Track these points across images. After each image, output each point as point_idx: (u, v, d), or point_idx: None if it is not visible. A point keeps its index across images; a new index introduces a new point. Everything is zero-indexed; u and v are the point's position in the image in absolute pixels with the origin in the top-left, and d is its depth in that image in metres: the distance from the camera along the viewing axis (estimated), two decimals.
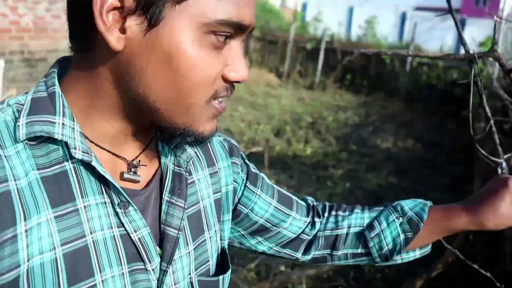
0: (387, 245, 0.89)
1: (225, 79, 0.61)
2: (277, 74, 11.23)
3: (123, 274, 0.61)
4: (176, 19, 0.55)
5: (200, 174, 0.77)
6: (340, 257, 0.93)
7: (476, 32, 13.25)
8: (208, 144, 0.81)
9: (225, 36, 0.58)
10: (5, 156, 0.56)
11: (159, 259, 0.65)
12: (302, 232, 0.91)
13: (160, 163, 0.70)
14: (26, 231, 0.54)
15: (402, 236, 0.89)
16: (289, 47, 11.23)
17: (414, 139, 7.30)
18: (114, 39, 0.55)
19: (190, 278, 0.70)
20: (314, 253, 0.93)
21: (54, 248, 0.55)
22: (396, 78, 10.26)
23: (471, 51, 0.99)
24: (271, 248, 0.90)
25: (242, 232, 0.88)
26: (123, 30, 0.56)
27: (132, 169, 0.66)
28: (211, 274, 0.75)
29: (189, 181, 0.73)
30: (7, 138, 0.57)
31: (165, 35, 0.55)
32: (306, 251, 0.93)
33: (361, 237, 0.91)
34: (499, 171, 0.95)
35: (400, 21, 19.65)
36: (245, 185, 0.85)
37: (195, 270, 0.71)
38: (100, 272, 0.58)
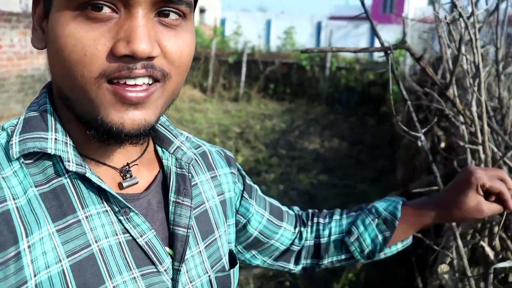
0: (367, 247, 0.91)
1: (116, 55, 0.54)
2: (201, 89, 11.28)
3: (134, 278, 0.60)
4: (55, 3, 0.56)
5: (201, 177, 0.77)
6: (327, 265, 0.95)
7: (386, 37, 14.15)
8: (208, 153, 0.81)
9: (108, 7, 0.53)
10: (3, 177, 0.56)
11: (170, 260, 0.65)
12: (292, 243, 0.92)
13: (160, 167, 0.71)
14: (29, 247, 0.54)
15: (380, 237, 0.91)
16: (211, 62, 11.33)
17: (338, 139, 7.63)
18: (36, 40, 0.61)
19: (208, 276, 0.70)
20: (303, 262, 0.94)
21: (60, 261, 0.55)
22: (317, 84, 10.69)
23: (386, 44, 1.09)
24: (265, 261, 0.92)
25: (238, 247, 0.88)
26: (43, 32, 0.60)
27: (127, 175, 0.65)
28: (227, 272, 0.75)
29: (192, 183, 0.73)
30: (3, 160, 0.58)
31: (50, 21, 0.56)
32: (297, 261, 0.94)
33: (342, 243, 0.93)
34: (419, 143, 1.06)
35: (316, 31, 20.53)
36: (242, 196, 0.85)
37: (211, 268, 0.72)
38: (111, 278, 0.58)
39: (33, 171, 0.58)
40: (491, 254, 1.12)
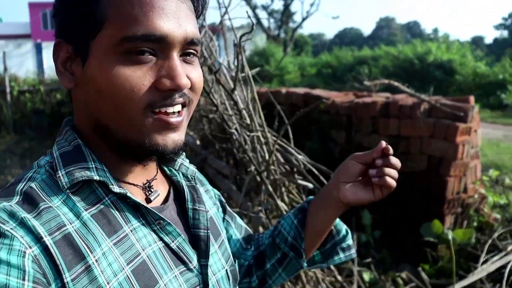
0: (288, 234, 0.97)
1: (160, 89, 0.65)
2: None
3: (176, 276, 0.71)
4: (96, 49, 0.65)
5: (201, 189, 0.90)
6: (272, 272, 1.00)
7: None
8: (195, 170, 0.88)
9: (148, 52, 0.64)
10: (56, 207, 0.64)
11: (197, 257, 0.76)
12: (248, 260, 1.00)
13: (170, 183, 0.82)
14: (96, 261, 0.62)
15: (295, 221, 0.97)
16: None
17: None
18: (66, 81, 0.69)
19: (226, 270, 0.83)
20: (255, 274, 1.01)
21: (123, 268, 0.65)
22: (0, 111, 9.63)
23: None
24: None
25: None
26: (72, 73, 0.69)
27: (149, 191, 0.76)
28: (235, 266, 0.88)
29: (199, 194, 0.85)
30: (51, 193, 0.65)
31: (91, 65, 0.66)
32: (250, 275, 1.01)
33: (273, 243, 0.99)
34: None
35: None
36: (224, 218, 0.97)
37: (226, 263, 0.84)
38: (161, 278, 0.69)
39: (79, 198, 0.67)
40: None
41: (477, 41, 54.26)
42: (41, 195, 0.64)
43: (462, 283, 2.66)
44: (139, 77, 0.64)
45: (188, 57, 0.69)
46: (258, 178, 1.72)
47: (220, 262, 0.82)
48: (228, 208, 1.00)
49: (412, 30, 72.37)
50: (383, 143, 0.86)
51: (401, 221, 3.60)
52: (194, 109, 0.75)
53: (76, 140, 0.70)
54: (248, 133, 1.67)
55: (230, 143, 2.09)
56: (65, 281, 0.59)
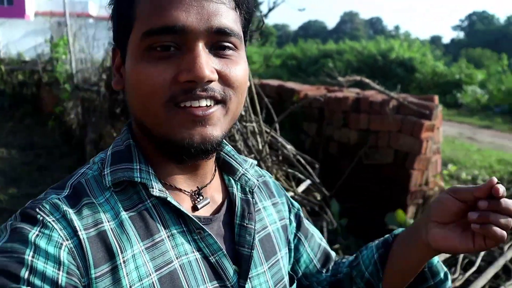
0: (366, 269, 0.87)
1: (179, 82, 0.63)
2: None
3: None
4: (129, 48, 0.67)
5: (265, 203, 0.85)
6: None
7: (10, 32, 13.32)
8: (268, 182, 0.89)
9: (171, 45, 0.64)
10: (98, 204, 0.66)
11: (237, 276, 0.71)
12: (322, 285, 0.92)
13: (227, 193, 0.79)
14: (124, 262, 0.63)
15: (376, 255, 0.86)
16: None
17: (4, 148, 7.05)
18: (115, 83, 0.73)
19: None
20: None
21: (150, 274, 0.64)
22: None
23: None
24: None
25: None
26: (121, 75, 0.72)
27: (198, 199, 0.73)
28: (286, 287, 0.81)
29: (256, 209, 0.80)
30: (97, 190, 0.67)
31: (126, 64, 0.68)
32: None
33: (350, 275, 0.90)
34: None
35: None
36: (296, 234, 0.90)
37: (275, 286, 0.78)
38: None
39: (122, 197, 0.67)
40: None
41: (435, 41, 56.15)
42: (88, 191, 0.67)
43: None
44: (161, 71, 0.63)
45: (221, 51, 0.66)
46: None
47: (267, 284, 0.77)
48: (305, 224, 0.93)
49: (375, 26, 73.99)
50: (494, 180, 0.66)
51: (367, 209, 3.82)
52: (238, 108, 0.70)
53: (128, 140, 0.72)
54: (244, 124, 1.79)
55: None
56: (90, 277, 0.60)
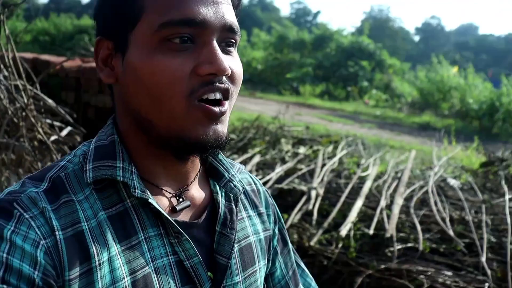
0: None
1: (199, 75, 0.63)
2: None
3: None
4: (135, 40, 0.65)
5: (250, 212, 0.83)
6: None
7: None
8: (257, 191, 0.87)
9: (186, 37, 0.63)
10: (77, 201, 0.64)
11: (210, 283, 0.70)
12: None
13: (212, 199, 0.77)
14: (99, 264, 0.61)
15: None
16: None
17: None
18: (105, 76, 0.69)
19: None
20: None
21: (124, 278, 0.63)
22: None
23: None
24: None
25: None
26: (112, 68, 0.68)
27: (178, 201, 0.72)
28: None
29: (239, 217, 0.79)
30: (77, 186, 0.66)
31: (131, 57, 0.65)
32: None
33: None
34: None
35: None
36: (274, 247, 0.87)
37: None
38: None
39: (101, 196, 0.66)
40: None
41: None
42: (67, 186, 0.65)
43: None
44: (179, 64, 0.63)
45: (228, 48, 0.68)
46: (16, 120, 2.27)
47: None
48: (286, 240, 0.91)
49: None
50: None
51: None
52: (233, 104, 0.71)
53: (113, 136, 0.70)
54: (10, 82, 2.19)
55: None
56: (64, 279, 0.59)
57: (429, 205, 4.06)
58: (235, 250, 0.76)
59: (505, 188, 4.50)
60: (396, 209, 3.77)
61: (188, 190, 0.75)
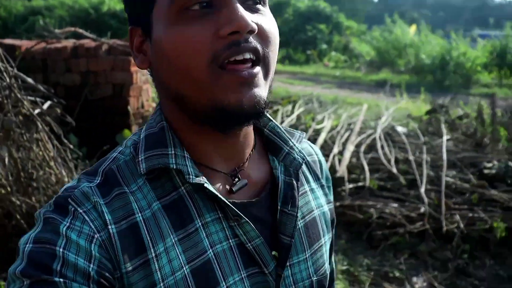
0: None
1: (222, 37, 0.60)
2: None
3: (242, 279, 0.66)
4: (156, 18, 0.64)
5: (312, 185, 0.80)
6: None
7: None
8: (318, 162, 0.84)
9: (204, 3, 0.60)
10: (130, 192, 0.64)
11: (275, 263, 0.68)
12: None
13: (272, 175, 0.74)
14: (156, 256, 0.61)
15: None
16: None
17: None
18: (139, 62, 0.68)
19: (310, 281, 0.73)
20: None
21: (182, 267, 0.62)
22: None
23: None
24: None
25: None
26: (145, 54, 0.68)
27: (234, 180, 0.69)
28: (326, 275, 0.78)
29: (301, 192, 0.76)
30: (129, 177, 0.65)
31: (154, 36, 0.64)
32: None
33: None
34: None
35: None
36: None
37: (315, 272, 0.74)
38: (224, 280, 0.64)
39: (155, 185, 0.65)
40: None
41: None
42: (120, 178, 0.65)
43: None
44: (199, 30, 0.60)
45: (254, 5, 0.64)
46: (1, 98, 2.57)
47: (307, 271, 0.74)
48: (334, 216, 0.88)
49: None
50: None
51: (101, 136, 4.78)
52: (273, 67, 0.66)
53: (162, 122, 0.69)
54: None
55: None
56: (122, 271, 0.60)
57: (377, 149, 4.56)
58: (299, 226, 0.74)
59: (444, 130, 5.04)
60: (347, 154, 4.25)
61: (243, 169, 0.72)
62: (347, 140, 4.81)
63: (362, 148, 4.48)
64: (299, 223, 0.73)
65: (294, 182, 0.74)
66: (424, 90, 9.07)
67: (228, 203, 0.65)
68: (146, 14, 0.66)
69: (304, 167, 0.80)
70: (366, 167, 4.02)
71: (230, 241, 0.67)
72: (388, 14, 20.37)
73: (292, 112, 6.03)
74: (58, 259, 0.57)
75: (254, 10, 0.64)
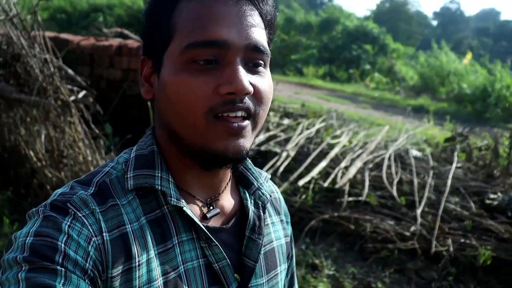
0: None
1: (220, 94, 0.67)
2: None
3: None
4: (167, 60, 0.70)
5: (274, 219, 0.90)
6: None
7: None
8: (278, 199, 0.95)
9: (211, 60, 0.68)
10: (121, 205, 0.70)
11: (237, 284, 0.76)
12: None
13: (241, 205, 0.83)
14: (139, 265, 0.68)
15: None
16: None
17: None
18: (145, 92, 0.76)
19: None
20: None
21: (157, 278, 0.69)
22: None
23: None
24: None
25: None
26: (151, 85, 0.76)
27: (209, 208, 0.78)
28: None
29: (265, 223, 0.84)
30: (120, 191, 0.72)
31: (163, 76, 0.71)
32: None
33: None
34: None
35: None
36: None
37: None
38: None
39: (143, 201, 0.72)
40: None
41: None
42: (112, 191, 0.71)
43: None
44: (201, 83, 0.67)
45: (255, 67, 0.71)
46: (45, 85, 3.03)
47: None
48: (292, 246, 0.98)
49: None
50: None
51: (135, 129, 5.24)
52: (261, 122, 0.74)
53: (152, 146, 0.76)
54: (39, 55, 2.95)
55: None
56: (107, 275, 0.65)
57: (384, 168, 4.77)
58: (261, 254, 0.80)
59: (455, 158, 5.18)
60: (353, 169, 4.49)
61: (218, 199, 0.80)
62: (358, 156, 5.04)
63: (369, 165, 4.69)
64: (261, 250, 0.81)
65: (262, 214, 0.83)
66: (460, 121, 9.04)
67: (202, 226, 0.74)
68: (160, 52, 0.72)
69: (268, 203, 0.87)
70: (367, 183, 4.24)
71: (200, 260, 0.74)
72: (446, 39, 20.13)
73: (312, 125, 6.30)
74: (60, 252, 0.62)
75: (255, 72, 0.72)
